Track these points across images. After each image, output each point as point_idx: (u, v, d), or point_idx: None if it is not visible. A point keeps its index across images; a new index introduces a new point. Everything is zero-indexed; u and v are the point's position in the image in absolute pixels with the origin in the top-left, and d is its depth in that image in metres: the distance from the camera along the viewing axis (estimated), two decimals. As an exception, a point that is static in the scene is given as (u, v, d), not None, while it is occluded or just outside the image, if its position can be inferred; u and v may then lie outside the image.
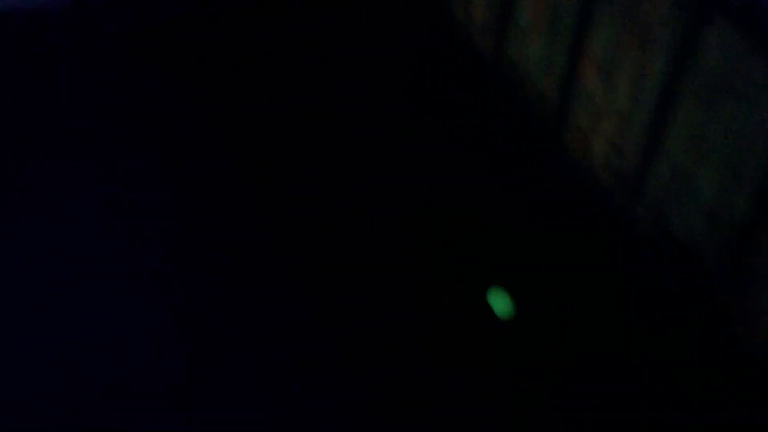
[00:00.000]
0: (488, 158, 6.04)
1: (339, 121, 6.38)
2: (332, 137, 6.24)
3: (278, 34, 7.24)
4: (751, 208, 4.18)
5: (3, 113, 6.35)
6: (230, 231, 5.50)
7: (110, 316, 4.95)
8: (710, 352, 4.73)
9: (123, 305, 5.02)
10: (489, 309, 4.90)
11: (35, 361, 4.69)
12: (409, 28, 7.30)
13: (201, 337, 4.84)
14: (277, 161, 6.03)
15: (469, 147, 6.13)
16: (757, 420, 4.43)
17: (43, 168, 5.91)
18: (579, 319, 4.94)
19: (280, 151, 6.12)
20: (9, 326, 4.86)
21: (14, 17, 7.19)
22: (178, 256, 5.32)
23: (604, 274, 5.20)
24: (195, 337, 4.84)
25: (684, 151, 4.57)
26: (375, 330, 4.91)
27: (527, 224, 5.53)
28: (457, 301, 5.06)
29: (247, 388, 4.59)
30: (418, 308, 5.02)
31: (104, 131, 6.24)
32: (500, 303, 4.66)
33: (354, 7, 7.56)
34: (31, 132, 6.20)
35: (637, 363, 4.71)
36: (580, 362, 4.72)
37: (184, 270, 5.24)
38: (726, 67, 4.17)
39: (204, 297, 5.07)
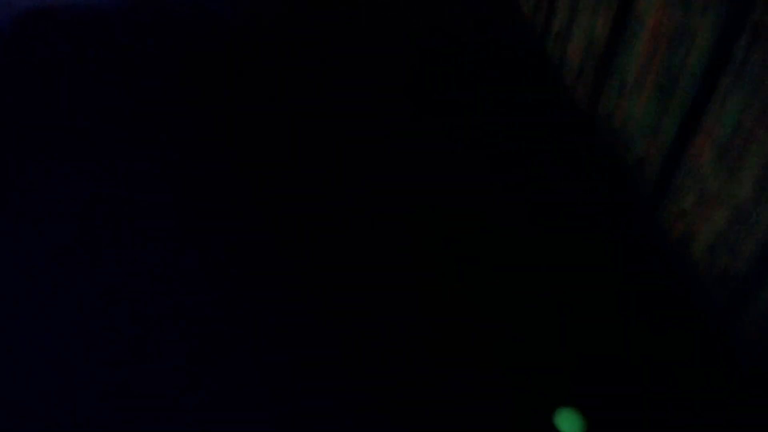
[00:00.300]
0: (488, 158, 6.03)
1: (339, 121, 6.38)
2: (332, 137, 6.24)
3: (278, 34, 7.23)
4: None
5: (3, 113, 6.35)
6: (230, 231, 5.49)
7: (110, 317, 4.95)
8: (710, 352, 4.73)
9: (123, 305, 5.01)
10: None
11: (35, 361, 4.69)
12: (409, 28, 7.30)
13: (201, 337, 4.84)
14: (277, 161, 6.03)
15: (469, 147, 6.13)
16: (757, 420, 4.43)
17: (43, 168, 5.90)
18: (579, 319, 4.94)
19: (280, 151, 6.12)
20: (9, 326, 4.86)
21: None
22: (178, 256, 5.32)
23: (604, 274, 5.19)
24: (195, 337, 4.84)
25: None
26: (375, 330, 4.91)
27: (527, 224, 5.53)
28: (457, 301, 5.06)
29: (247, 388, 4.59)
30: (418, 308, 5.02)
31: (104, 131, 6.24)
32: (570, 424, 4.53)
33: (354, 7, 7.55)
34: (31, 132, 6.20)
35: (637, 363, 4.70)
36: (580, 362, 4.72)
37: (184, 270, 5.23)
38: None
39: (204, 297, 5.07)
